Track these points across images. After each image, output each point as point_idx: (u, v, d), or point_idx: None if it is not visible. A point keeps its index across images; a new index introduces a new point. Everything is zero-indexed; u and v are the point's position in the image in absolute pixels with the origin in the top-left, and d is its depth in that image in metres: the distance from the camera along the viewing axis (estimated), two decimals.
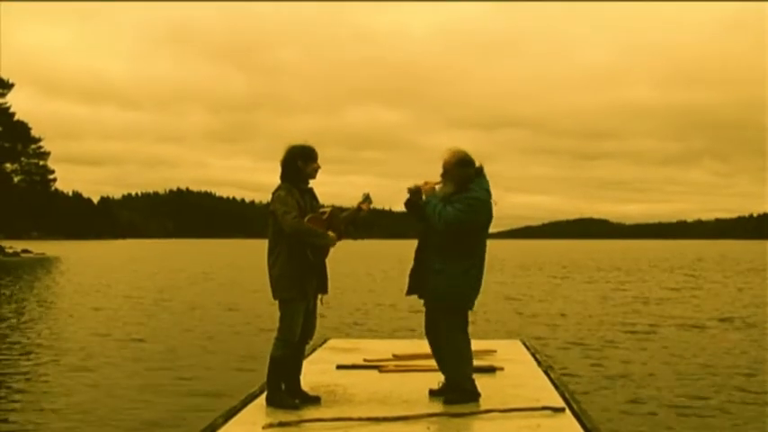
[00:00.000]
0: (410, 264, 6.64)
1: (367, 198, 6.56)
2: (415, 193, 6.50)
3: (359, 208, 6.54)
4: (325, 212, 6.37)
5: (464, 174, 6.38)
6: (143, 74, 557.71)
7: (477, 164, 6.46)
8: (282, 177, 6.38)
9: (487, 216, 6.40)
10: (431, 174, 6.57)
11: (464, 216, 6.21)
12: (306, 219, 6.17)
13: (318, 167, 6.45)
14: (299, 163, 6.34)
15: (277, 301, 6.34)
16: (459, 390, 6.37)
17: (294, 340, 6.27)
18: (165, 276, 42.71)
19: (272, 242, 6.31)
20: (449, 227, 6.21)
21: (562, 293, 31.24)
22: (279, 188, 6.32)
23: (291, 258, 6.19)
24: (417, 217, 6.53)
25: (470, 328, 6.60)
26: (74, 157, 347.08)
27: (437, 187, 6.44)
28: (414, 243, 6.71)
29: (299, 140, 6.47)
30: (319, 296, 6.49)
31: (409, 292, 6.63)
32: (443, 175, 6.47)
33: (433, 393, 6.51)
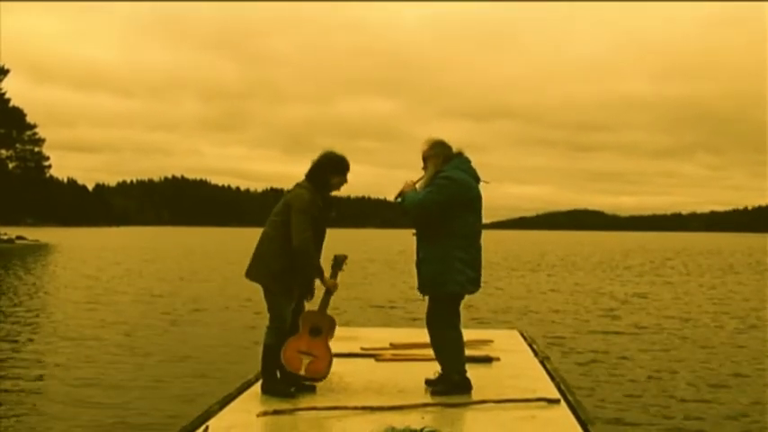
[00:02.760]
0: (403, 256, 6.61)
1: (338, 263, 6.51)
2: (399, 196, 6.43)
3: (328, 291, 6.43)
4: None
5: (440, 154, 6.37)
6: (135, 61, 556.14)
7: (456, 149, 6.44)
8: (308, 177, 6.34)
9: (461, 193, 6.23)
10: (419, 164, 6.56)
11: (433, 196, 6.15)
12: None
13: (345, 182, 6.43)
14: (332, 173, 6.33)
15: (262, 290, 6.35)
16: (446, 381, 6.33)
17: (286, 327, 6.27)
18: (158, 265, 42.67)
19: (270, 226, 6.32)
20: (422, 210, 6.18)
21: (560, 285, 31.29)
22: (304, 186, 6.29)
23: (284, 254, 6.18)
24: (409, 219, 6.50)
25: (469, 318, 6.57)
26: (67, 144, 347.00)
27: (418, 185, 6.41)
28: (407, 232, 6.68)
29: (335, 147, 6.45)
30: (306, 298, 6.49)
31: (418, 289, 6.55)
32: (424, 164, 6.46)
33: (429, 383, 6.49)
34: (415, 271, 6.54)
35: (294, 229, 6.11)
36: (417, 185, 6.40)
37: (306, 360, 5.99)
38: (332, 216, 6.50)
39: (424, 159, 6.46)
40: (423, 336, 6.86)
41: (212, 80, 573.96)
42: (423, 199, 6.17)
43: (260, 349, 6.33)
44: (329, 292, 6.41)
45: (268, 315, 6.31)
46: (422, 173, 6.49)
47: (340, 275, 6.51)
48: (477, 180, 6.45)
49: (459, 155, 6.44)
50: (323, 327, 6.27)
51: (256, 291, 6.43)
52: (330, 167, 6.34)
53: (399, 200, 6.41)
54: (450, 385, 6.29)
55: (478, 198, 6.40)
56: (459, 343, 6.41)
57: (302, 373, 5.99)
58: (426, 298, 6.47)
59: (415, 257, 6.49)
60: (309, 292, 6.47)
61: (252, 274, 6.35)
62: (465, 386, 6.32)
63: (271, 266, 6.22)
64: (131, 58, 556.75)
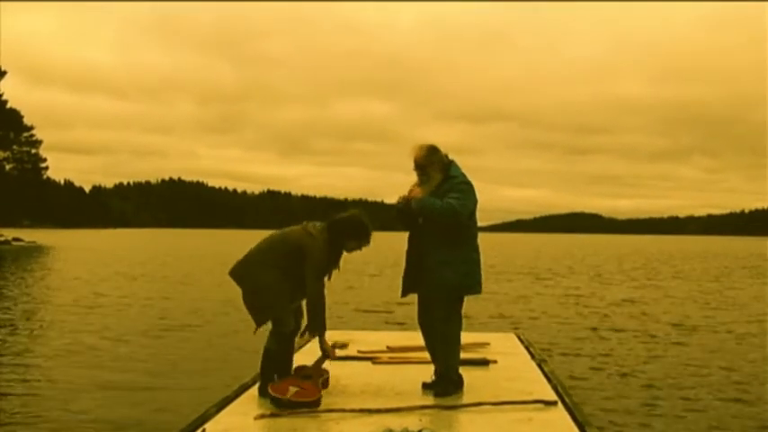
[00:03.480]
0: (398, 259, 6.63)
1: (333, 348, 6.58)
2: (405, 203, 6.41)
3: (325, 356, 6.44)
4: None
5: (439, 160, 6.40)
6: (131, 63, 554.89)
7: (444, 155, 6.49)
8: (329, 228, 6.30)
9: (476, 197, 6.45)
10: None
11: (465, 202, 6.25)
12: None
13: (359, 249, 6.42)
14: (352, 238, 6.33)
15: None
16: (448, 381, 6.39)
17: (287, 332, 6.29)
18: (154, 268, 42.64)
19: (269, 263, 6.26)
20: (457, 216, 6.19)
21: (556, 288, 31.31)
22: (321, 238, 6.23)
23: (286, 282, 6.19)
24: (406, 224, 6.50)
25: (465, 322, 6.62)
26: (64, 146, 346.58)
27: (423, 191, 6.39)
28: (402, 235, 6.68)
29: (362, 213, 6.43)
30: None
31: (405, 293, 6.61)
32: (421, 171, 6.42)
33: (426, 386, 6.50)
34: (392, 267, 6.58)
35: (308, 277, 6.12)
36: (422, 191, 6.38)
37: (293, 389, 5.96)
38: (337, 269, 6.47)
39: (423, 167, 6.42)
40: (419, 339, 6.86)
41: (208, 82, 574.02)
42: (457, 205, 6.18)
43: (260, 352, 6.36)
44: (325, 357, 6.42)
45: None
46: (413, 178, 6.47)
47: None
48: None
49: (452, 160, 6.49)
50: (314, 375, 6.26)
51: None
52: (351, 232, 6.33)
53: (402, 205, 6.40)
54: (452, 384, 6.37)
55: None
56: (460, 341, 6.54)
57: (288, 396, 5.90)
58: (412, 299, 6.54)
59: (412, 261, 6.50)
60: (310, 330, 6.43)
61: (261, 314, 6.29)
62: (461, 384, 6.45)
63: (276, 298, 6.20)
64: (127, 60, 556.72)
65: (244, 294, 6.39)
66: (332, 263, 6.34)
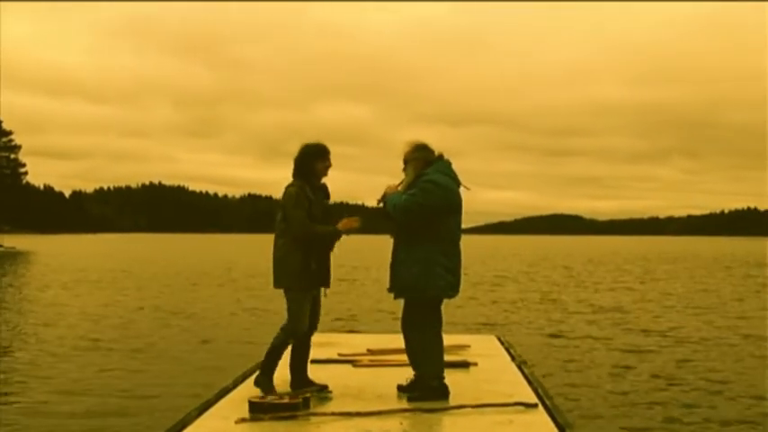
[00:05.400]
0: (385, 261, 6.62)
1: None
2: (381, 201, 6.44)
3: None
4: None
5: (422, 157, 6.40)
6: (105, 66, 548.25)
7: (438, 153, 6.46)
8: (295, 174, 6.51)
9: (446, 198, 6.27)
10: (399, 167, 6.58)
11: (418, 199, 6.16)
12: None
13: (330, 165, 6.57)
14: (313, 161, 6.46)
15: (282, 291, 6.49)
16: (424, 387, 6.30)
17: (301, 330, 6.41)
18: (134, 273, 42.44)
19: (278, 233, 6.46)
20: (407, 214, 6.18)
21: (537, 291, 31.40)
22: (291, 184, 6.45)
23: (297, 250, 6.33)
24: (387, 224, 6.48)
25: (446, 323, 6.58)
26: (41, 151, 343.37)
27: (400, 187, 6.42)
28: (384, 238, 6.69)
29: (311, 138, 6.60)
30: (322, 289, 6.61)
31: (389, 290, 6.58)
32: (405, 168, 6.47)
33: (401, 389, 6.48)
34: (378, 269, 6.57)
35: (291, 223, 6.31)
36: (399, 188, 6.42)
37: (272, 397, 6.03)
38: (327, 202, 6.59)
39: (405, 162, 6.47)
40: (400, 341, 6.85)
41: (185, 86, 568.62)
42: (406, 201, 6.17)
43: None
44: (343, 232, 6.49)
45: (286, 315, 6.44)
46: (402, 176, 6.51)
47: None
48: (458, 184, 6.46)
49: (440, 158, 6.45)
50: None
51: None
52: (311, 156, 6.48)
53: (381, 204, 6.42)
54: (428, 391, 6.25)
55: (460, 202, 6.42)
56: (437, 347, 6.40)
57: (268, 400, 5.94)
58: (402, 302, 6.48)
59: (390, 260, 6.49)
60: (326, 282, 6.55)
61: (276, 281, 6.50)
62: (443, 392, 6.30)
63: (289, 269, 6.36)
64: (103, 64, 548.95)
65: None
66: (317, 196, 6.45)
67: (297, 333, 6.39)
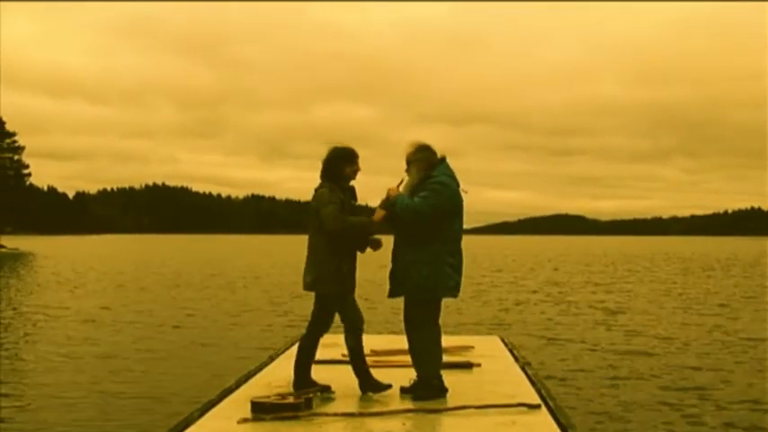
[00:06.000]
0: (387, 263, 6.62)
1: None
2: (387, 204, 6.44)
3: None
4: None
5: (425, 158, 6.41)
6: (107, 67, 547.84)
7: (440, 155, 6.49)
8: (323, 176, 6.51)
9: (453, 200, 6.36)
10: (402, 168, 6.59)
11: (432, 201, 6.20)
12: None
13: (358, 169, 6.58)
14: (342, 164, 6.47)
15: (313, 294, 6.53)
16: (427, 386, 6.34)
17: (362, 326, 6.46)
18: (135, 275, 42.47)
19: (313, 238, 6.47)
20: (419, 215, 6.20)
21: (541, 292, 31.38)
22: (321, 186, 6.46)
23: (334, 255, 6.34)
24: (391, 224, 6.50)
25: (450, 324, 6.59)
26: (43, 152, 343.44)
27: (401, 187, 6.43)
28: (387, 238, 6.70)
29: (339, 142, 6.61)
30: None
31: (391, 295, 6.60)
32: (408, 169, 6.49)
33: (404, 391, 6.48)
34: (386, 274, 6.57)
35: (324, 220, 6.28)
36: (401, 188, 6.43)
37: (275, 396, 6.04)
38: (355, 203, 6.60)
39: (408, 162, 6.49)
40: (403, 343, 6.86)
41: (186, 86, 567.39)
42: (419, 203, 6.20)
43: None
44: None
45: (345, 318, 6.46)
46: (404, 176, 6.52)
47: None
48: (457, 185, 6.49)
49: (443, 160, 6.48)
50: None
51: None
52: (339, 159, 6.49)
53: (388, 205, 6.41)
54: (432, 390, 6.31)
55: (462, 204, 6.47)
56: (440, 346, 6.48)
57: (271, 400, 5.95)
58: (401, 301, 6.50)
59: (391, 263, 6.50)
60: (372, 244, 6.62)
61: (308, 284, 6.49)
62: (443, 390, 6.38)
63: (324, 272, 6.36)
64: (105, 64, 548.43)
65: None
66: (346, 197, 6.46)
67: (360, 325, 6.43)
